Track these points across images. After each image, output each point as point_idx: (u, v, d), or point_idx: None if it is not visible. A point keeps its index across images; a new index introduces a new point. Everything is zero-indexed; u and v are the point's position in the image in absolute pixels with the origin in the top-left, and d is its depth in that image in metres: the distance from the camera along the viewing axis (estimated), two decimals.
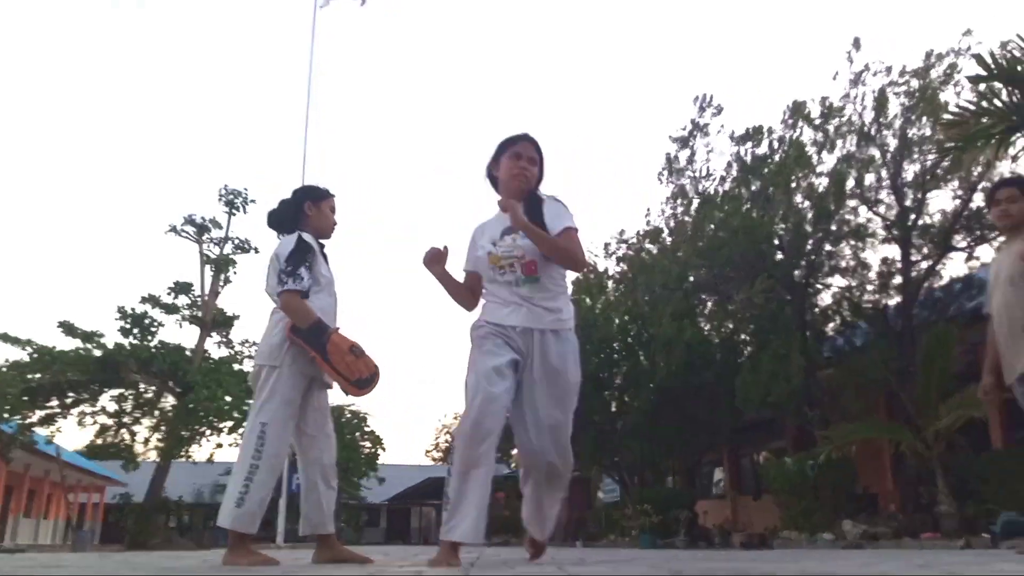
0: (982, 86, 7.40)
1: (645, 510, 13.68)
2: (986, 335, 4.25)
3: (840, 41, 20.77)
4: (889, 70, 10.92)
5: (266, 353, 3.60)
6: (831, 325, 12.51)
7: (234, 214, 21.52)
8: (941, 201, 19.57)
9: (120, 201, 68.95)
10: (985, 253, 11.85)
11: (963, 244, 11.03)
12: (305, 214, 3.87)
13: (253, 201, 21.69)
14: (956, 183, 10.57)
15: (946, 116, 8.43)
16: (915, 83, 10.69)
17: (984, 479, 8.86)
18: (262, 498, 3.43)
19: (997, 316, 4.12)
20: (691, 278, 12.71)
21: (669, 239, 13.93)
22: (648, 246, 14.65)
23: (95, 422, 19.94)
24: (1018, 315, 3.97)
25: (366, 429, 28.44)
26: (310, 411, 3.71)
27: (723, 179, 12.67)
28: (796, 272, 11.69)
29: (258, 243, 21.77)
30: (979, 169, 9.88)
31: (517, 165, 3.29)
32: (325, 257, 3.89)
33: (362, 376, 3.57)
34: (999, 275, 4.12)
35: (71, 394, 19.26)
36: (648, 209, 14.48)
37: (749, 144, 12.20)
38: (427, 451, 32.87)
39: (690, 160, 12.88)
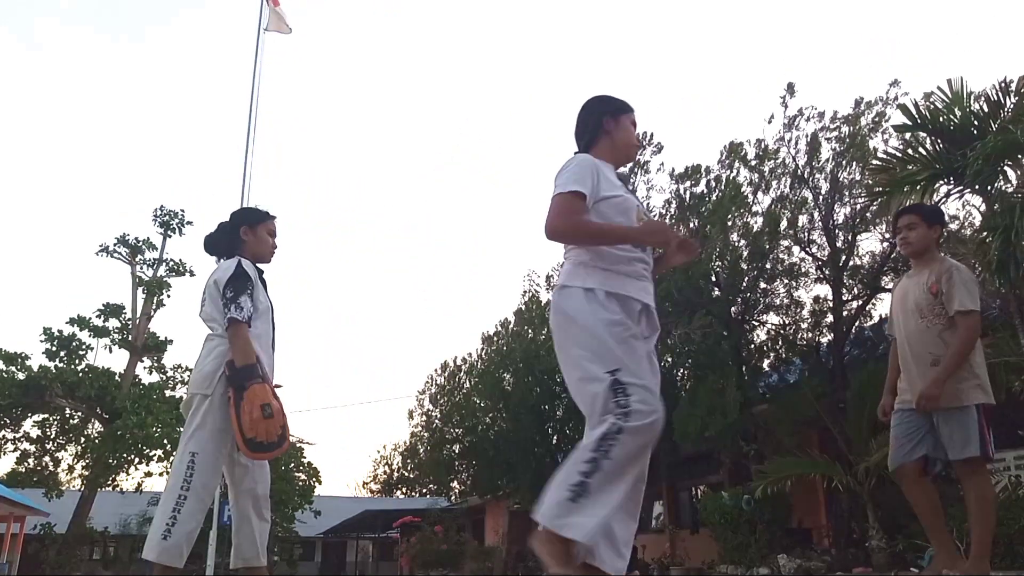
0: (908, 135, 7.74)
1: None
2: None
3: (775, 86, 21.51)
4: (822, 116, 11.33)
5: (199, 381, 3.51)
6: (766, 361, 12.78)
7: (170, 236, 21.17)
8: (870, 243, 20.28)
9: (49, 218, 66.96)
10: None
11: (891, 285, 11.43)
12: (241, 239, 3.81)
13: (190, 223, 21.37)
14: (884, 227, 10.97)
15: (874, 162, 8.78)
16: (846, 129, 11.11)
17: (913, 515, 9.08)
18: (190, 530, 3.34)
19: (901, 343, 4.24)
20: None
21: None
22: None
23: (16, 448, 19.20)
24: (920, 351, 4.08)
25: (302, 460, 27.89)
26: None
27: (663, 216, 12.93)
28: (732, 309, 11.95)
29: (194, 266, 21.39)
30: None
31: (636, 136, 3.02)
32: (264, 283, 3.84)
33: (258, 438, 3.34)
34: (905, 301, 4.23)
35: None
36: None
37: (688, 183, 12.49)
38: (364, 483, 32.32)
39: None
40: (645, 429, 2.36)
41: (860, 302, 11.37)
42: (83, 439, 19.90)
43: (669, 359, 13.68)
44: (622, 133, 2.91)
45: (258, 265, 3.83)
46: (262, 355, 3.61)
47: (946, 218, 4.33)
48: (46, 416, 19.47)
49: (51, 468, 19.97)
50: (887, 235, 11.12)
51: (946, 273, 4.03)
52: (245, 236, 3.80)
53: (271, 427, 3.37)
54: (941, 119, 7.22)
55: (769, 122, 11.73)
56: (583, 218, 2.60)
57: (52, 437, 19.75)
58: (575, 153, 2.84)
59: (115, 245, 20.51)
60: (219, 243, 3.85)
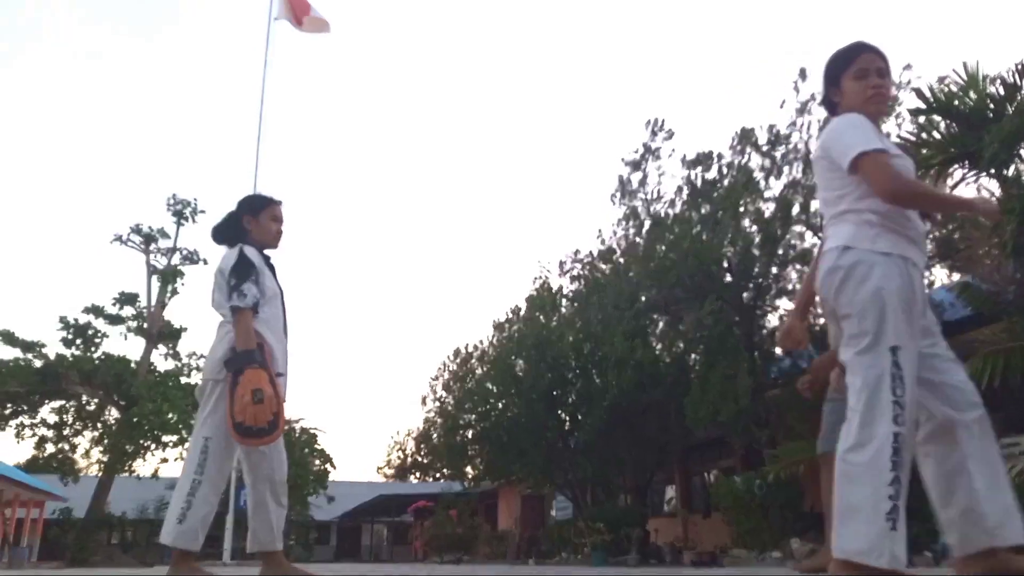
0: (922, 118, 7.68)
1: (597, 528, 13.75)
2: None
3: (787, 71, 21.32)
4: None
5: (212, 367, 3.54)
6: (778, 347, 12.76)
7: (183, 224, 21.28)
8: None
9: (65, 208, 67.39)
10: (932, 277, 12.24)
11: None
12: (244, 228, 3.82)
13: (203, 211, 21.45)
14: None
15: None
16: None
17: (927, 499, 9.09)
18: (205, 514, 3.39)
19: None
20: (642, 298, 12.88)
21: (621, 259, 14.11)
22: (601, 266, 14.81)
23: (34, 434, 19.43)
24: None
25: (316, 447, 28.13)
26: None
27: (674, 202, 12.90)
28: (744, 294, 11.92)
29: (207, 254, 21.50)
30: None
31: (868, 85, 2.52)
32: (272, 268, 3.85)
33: (246, 423, 3.30)
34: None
35: (10, 405, 18.75)
36: (601, 230, 14.61)
37: (699, 168, 12.44)
38: (379, 468, 32.49)
39: (642, 183, 13.09)
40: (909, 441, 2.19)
41: None
42: (100, 425, 20.10)
43: (680, 344, 13.68)
44: None
45: (265, 251, 3.85)
46: (272, 340, 3.64)
47: None
48: (63, 403, 19.67)
49: (69, 453, 20.17)
50: None
51: None
52: (248, 225, 3.82)
53: (260, 413, 3.31)
54: (956, 102, 7.17)
55: (781, 107, 11.66)
56: (914, 180, 2.43)
57: (69, 423, 19.96)
58: (836, 116, 2.52)
59: (129, 234, 20.64)
60: (225, 232, 3.87)
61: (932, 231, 10.88)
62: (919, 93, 7.53)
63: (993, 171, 7.09)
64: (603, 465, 15.50)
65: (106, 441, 19.66)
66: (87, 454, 20.49)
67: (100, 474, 19.68)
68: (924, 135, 7.75)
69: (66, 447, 19.94)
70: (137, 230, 20.62)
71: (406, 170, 75.30)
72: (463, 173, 75.30)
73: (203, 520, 3.38)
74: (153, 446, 18.59)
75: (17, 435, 19.21)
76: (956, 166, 7.50)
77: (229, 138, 69.35)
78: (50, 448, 19.81)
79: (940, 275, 12.01)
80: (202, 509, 3.37)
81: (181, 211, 21.15)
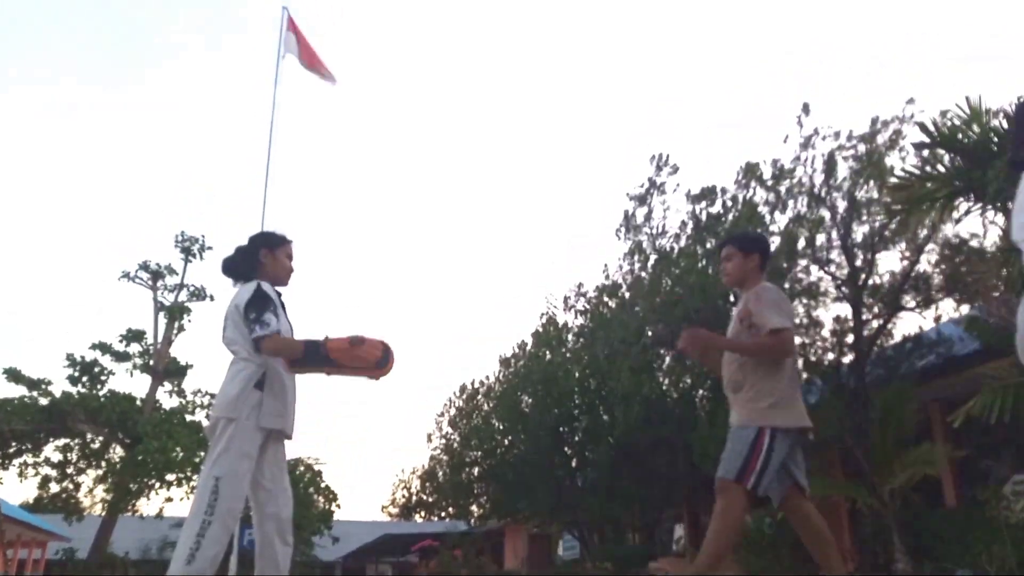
0: (925, 152, 7.70)
1: (605, 568, 13.56)
2: (938, 393, 4.35)
3: (791, 106, 21.50)
4: (837, 135, 11.29)
5: (224, 405, 3.53)
6: None
7: (190, 261, 21.36)
8: (890, 262, 20.12)
9: (72, 245, 67.79)
10: (938, 311, 12.18)
11: (912, 304, 11.32)
12: (260, 262, 3.84)
13: (210, 248, 21.55)
14: (904, 245, 10.88)
15: (892, 180, 8.73)
16: (862, 147, 11.06)
17: (940, 537, 8.96)
18: (215, 554, 3.35)
19: (724, 365, 4.16)
20: (649, 333, 12.83)
21: (627, 294, 14.10)
22: (607, 300, 14.79)
23: (37, 473, 19.33)
24: (727, 380, 4.05)
25: (320, 484, 27.89)
26: (268, 464, 3.63)
27: (679, 236, 12.90)
28: None
29: (214, 291, 21.56)
30: (925, 231, 10.21)
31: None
32: (283, 306, 3.86)
33: (377, 358, 3.58)
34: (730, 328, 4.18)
35: (14, 444, 18.68)
36: (606, 264, 14.58)
37: (704, 203, 12.45)
38: (383, 507, 32.22)
39: (647, 217, 13.11)
40: None
41: (881, 321, 11.26)
42: (104, 463, 19.99)
43: (688, 380, 13.60)
44: None
45: (277, 288, 3.86)
46: (286, 380, 3.66)
47: (770, 246, 4.32)
48: (67, 441, 19.60)
49: (72, 493, 20.04)
50: (907, 253, 11.03)
51: (753, 295, 3.96)
52: (264, 259, 3.84)
53: (372, 343, 3.57)
54: (960, 136, 7.19)
55: (785, 142, 11.69)
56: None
57: (73, 462, 19.87)
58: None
59: (137, 271, 20.72)
60: (237, 266, 3.89)
61: (940, 264, 10.85)
62: (922, 127, 7.54)
63: (999, 204, 7.08)
64: (610, 503, 15.34)
65: (110, 480, 19.55)
66: (90, 493, 20.37)
67: (104, 514, 19.53)
68: (928, 168, 7.76)
69: (70, 486, 19.83)
70: (145, 267, 20.71)
71: (412, 206, 75.73)
72: (468, 209, 75.72)
73: (212, 560, 3.34)
74: (158, 485, 18.46)
75: (20, 474, 19.12)
76: (961, 199, 7.50)
77: (237, 176, 69.94)
78: (54, 487, 19.69)
79: (947, 308, 11.96)
80: (212, 549, 3.34)
81: (189, 248, 21.26)
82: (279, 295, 3.85)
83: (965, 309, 11.37)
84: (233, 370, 3.61)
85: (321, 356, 3.51)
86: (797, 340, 12.23)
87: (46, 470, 19.47)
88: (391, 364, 3.62)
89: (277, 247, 3.90)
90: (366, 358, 3.55)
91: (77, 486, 19.98)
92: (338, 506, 28.48)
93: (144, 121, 63.48)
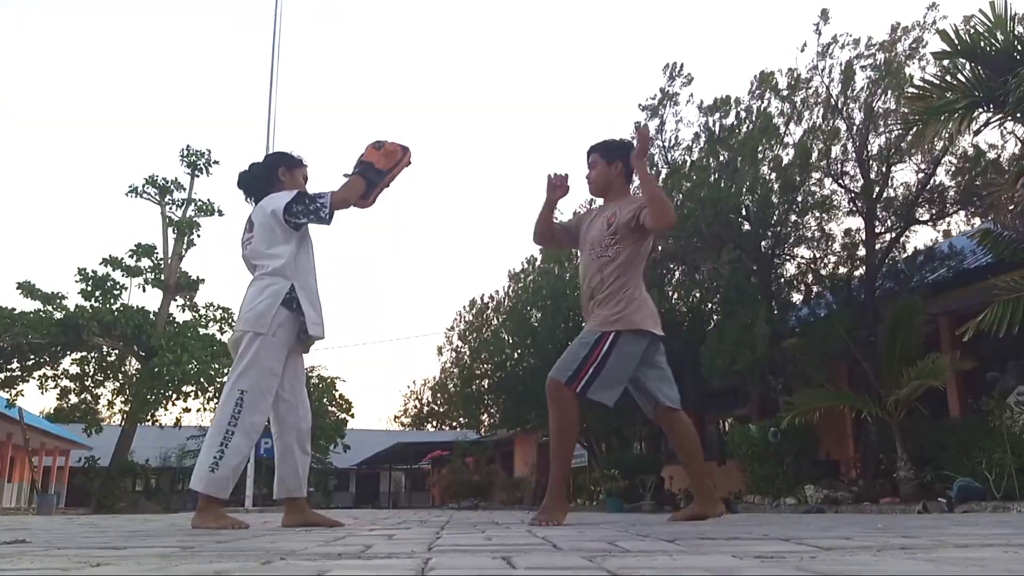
0: (946, 61, 7.50)
1: (612, 475, 13.90)
2: (947, 306, 4.32)
3: (809, 12, 20.83)
4: (856, 43, 10.98)
5: (252, 319, 3.54)
6: (797, 295, 12.68)
7: (197, 176, 21.22)
8: (905, 175, 19.80)
9: (80, 160, 67.45)
10: (948, 226, 12.09)
11: (926, 217, 11.22)
12: (279, 179, 3.85)
13: (217, 162, 21.38)
14: (919, 157, 10.72)
15: (911, 90, 8.53)
16: (881, 56, 10.77)
17: (942, 446, 9.13)
18: (236, 464, 3.44)
19: (580, 275, 4.20)
20: (659, 247, 12.82)
21: None
22: None
23: (57, 385, 19.73)
24: (585, 286, 4.04)
25: (335, 395, 28.47)
26: (288, 377, 3.70)
27: (691, 149, 12.71)
28: (762, 243, 11.82)
29: (223, 205, 21.49)
30: (941, 143, 10.02)
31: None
32: None
33: (401, 146, 3.87)
34: (586, 236, 4.13)
35: (32, 356, 19.01)
36: None
37: (717, 115, 12.22)
38: (396, 416, 32.94)
39: (659, 129, 12.89)
40: None
41: (893, 234, 11.18)
42: (121, 376, 20.37)
43: (697, 294, 13.63)
44: None
45: None
46: (315, 288, 3.73)
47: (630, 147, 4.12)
48: (84, 354, 19.92)
49: (92, 404, 20.50)
50: (922, 166, 10.87)
51: (625, 202, 3.99)
52: (283, 176, 3.88)
53: (391, 144, 3.85)
54: (982, 44, 6.98)
55: (802, 50, 11.39)
56: None
57: (91, 375, 20.24)
58: None
59: (144, 186, 20.63)
60: (254, 181, 3.89)
61: (955, 177, 10.70)
62: (943, 35, 7.32)
63: (1019, 115, 6.93)
64: (618, 414, 15.60)
65: (128, 391, 19.96)
66: (110, 405, 20.83)
67: (123, 424, 20.02)
68: (948, 78, 7.57)
69: (89, 398, 20.27)
70: (152, 181, 20.60)
71: (423, 118, 74.69)
72: (481, 122, 74.61)
73: (235, 470, 3.43)
74: (174, 396, 18.85)
75: (40, 387, 19.53)
76: (981, 110, 7.34)
77: (242, 89, 68.87)
78: (73, 399, 20.14)
79: (959, 221, 11.86)
80: (234, 459, 3.42)
81: (195, 162, 21.09)
82: None
83: (978, 223, 11.28)
84: (260, 285, 3.62)
85: (375, 173, 3.75)
86: (808, 253, 12.20)
87: (65, 383, 19.87)
88: (410, 154, 3.90)
89: (295, 167, 3.93)
90: (395, 151, 3.82)
91: (96, 398, 20.41)
92: (352, 415, 29.17)
93: (150, 32, 62.19)
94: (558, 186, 4.15)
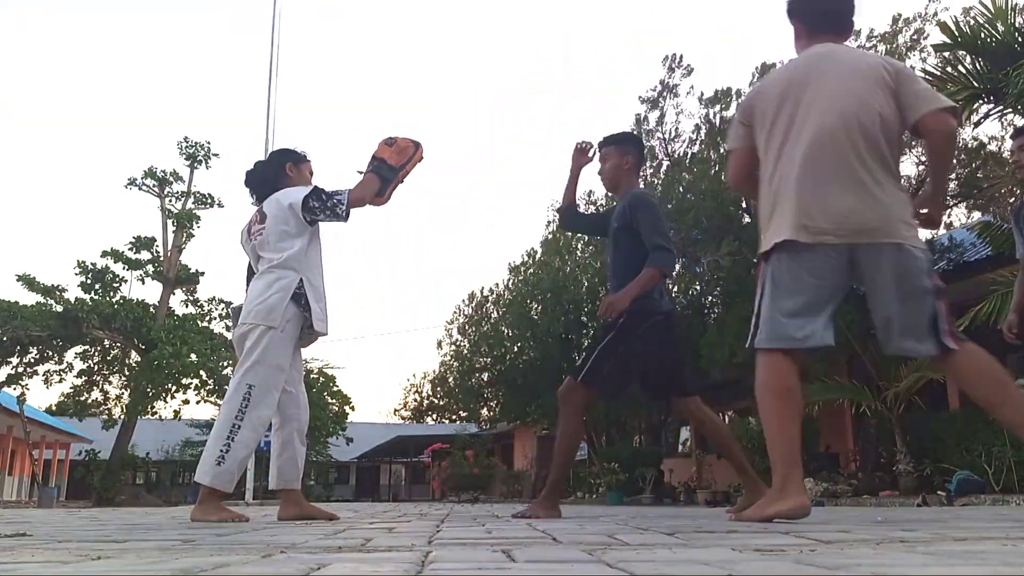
0: (946, 53, 7.48)
1: (612, 468, 13.92)
2: (947, 299, 4.31)
3: None
4: (858, 34, 10.97)
5: (262, 313, 3.52)
6: None
7: (196, 168, 21.16)
8: (905, 167, 19.78)
9: (80, 153, 67.38)
10: (950, 217, 12.07)
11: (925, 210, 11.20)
12: (286, 174, 3.87)
13: (216, 155, 21.32)
14: (919, 149, 10.70)
15: None
16: (883, 47, 10.75)
17: (941, 439, 9.14)
18: (243, 458, 3.44)
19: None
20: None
21: None
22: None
23: (62, 380, 19.75)
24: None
25: (334, 388, 28.52)
26: (291, 371, 3.73)
27: (692, 141, 12.71)
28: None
29: (222, 198, 21.45)
30: None
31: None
32: None
33: (413, 141, 3.79)
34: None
35: (33, 349, 19.01)
36: None
37: (718, 106, 12.21)
38: (396, 410, 33.03)
39: (660, 121, 12.89)
40: None
41: None
42: (126, 370, 20.37)
43: (698, 286, 13.64)
44: None
45: None
46: (322, 283, 3.73)
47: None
48: (86, 348, 19.92)
49: (101, 400, 20.52)
50: (923, 158, 10.85)
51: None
52: (290, 172, 3.90)
53: (400, 146, 3.74)
54: (982, 35, 6.96)
55: None
56: None
57: (97, 369, 20.27)
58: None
59: (143, 178, 20.58)
60: (263, 177, 3.90)
61: (956, 169, 10.68)
62: (943, 27, 7.31)
63: (1020, 107, 6.92)
64: (617, 407, 15.63)
65: (129, 384, 19.96)
66: (118, 399, 20.83)
67: (123, 416, 20.03)
68: (949, 69, 7.55)
69: (99, 396, 20.30)
70: (151, 173, 20.55)
71: (423, 112, 74.58)
72: (481, 114, 74.51)
73: (240, 463, 3.43)
74: (174, 388, 18.84)
75: (45, 382, 19.54)
76: (981, 102, 7.33)
77: (242, 86, 68.74)
78: (95, 394, 20.18)
79: (959, 214, 11.86)
80: (240, 452, 3.41)
81: (194, 154, 21.04)
82: None
83: (978, 215, 11.27)
84: (268, 279, 3.60)
85: (388, 170, 3.69)
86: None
87: (71, 378, 19.89)
88: (417, 155, 3.81)
89: (301, 163, 3.95)
90: (407, 146, 3.75)
91: (105, 394, 20.44)
92: (352, 408, 29.21)
93: (151, 25, 62.04)
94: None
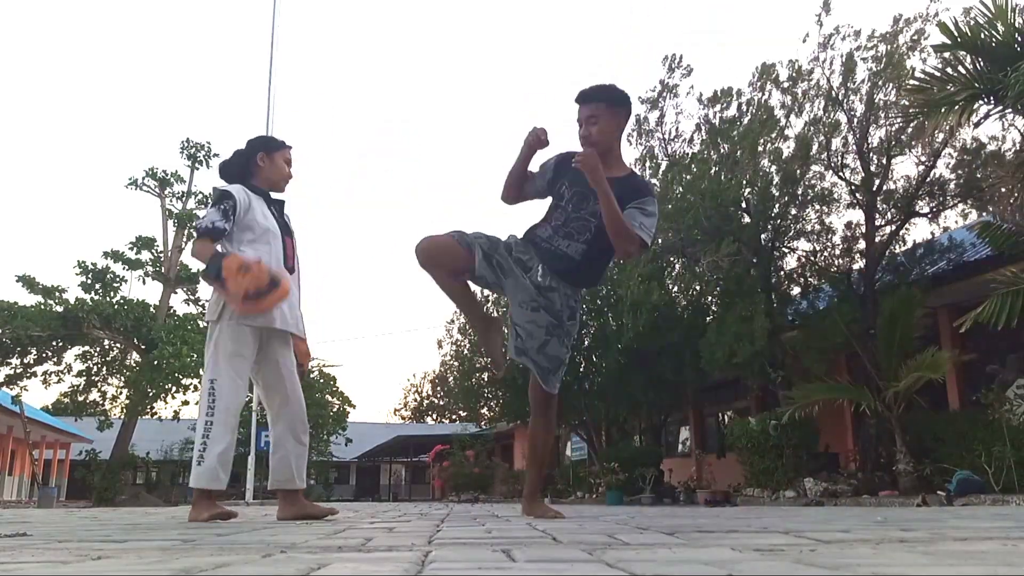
0: (947, 53, 7.48)
1: (612, 468, 13.91)
2: (947, 299, 4.29)
3: (811, 3, 20.76)
4: (858, 34, 10.95)
5: (209, 309, 3.62)
6: (796, 288, 12.68)
7: (197, 168, 21.18)
8: (905, 167, 19.79)
9: (80, 153, 67.38)
10: (948, 220, 12.08)
11: (926, 210, 11.21)
12: (257, 164, 3.81)
13: (216, 155, 21.32)
14: (920, 149, 10.71)
15: (911, 82, 8.52)
16: (883, 48, 10.74)
17: (941, 439, 9.14)
18: (220, 451, 3.44)
19: None
20: (659, 240, 12.82)
21: None
22: None
23: (60, 380, 19.74)
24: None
25: (334, 388, 28.52)
26: (271, 365, 3.69)
27: (692, 141, 12.70)
28: (762, 236, 11.81)
29: None
30: (942, 136, 10.02)
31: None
32: (275, 206, 3.82)
33: (251, 291, 3.26)
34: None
35: (32, 350, 19.01)
36: None
37: (718, 107, 12.21)
38: (396, 410, 33.00)
39: (659, 122, 12.88)
40: None
41: (893, 227, 11.18)
42: (126, 371, 20.37)
43: (697, 286, 13.63)
44: None
45: (272, 193, 3.84)
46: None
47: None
48: (86, 349, 19.92)
49: (99, 400, 20.51)
50: (923, 158, 10.86)
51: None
52: (262, 162, 3.82)
53: (256, 277, 3.26)
54: (983, 35, 6.97)
55: (803, 42, 11.36)
56: None
57: (96, 370, 20.27)
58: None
59: (144, 178, 20.59)
60: (232, 169, 3.86)
61: (956, 169, 10.68)
62: (943, 27, 7.31)
63: (1020, 107, 6.92)
64: (617, 407, 15.61)
65: (129, 384, 19.96)
66: (115, 399, 20.82)
67: (123, 416, 20.03)
68: (949, 70, 7.55)
69: (98, 398, 20.29)
70: (152, 174, 20.56)
71: (425, 108, 74.59)
72: (482, 110, 74.48)
73: (220, 457, 3.42)
74: (174, 388, 18.83)
75: (44, 382, 19.54)
76: (981, 102, 7.33)
77: (241, 83, 68.75)
78: (92, 395, 20.16)
79: (957, 216, 11.85)
80: (217, 446, 3.42)
81: (195, 155, 21.06)
82: (270, 199, 3.82)
83: (975, 215, 11.26)
84: None
85: (215, 275, 3.31)
86: (808, 246, 12.19)
87: (70, 378, 19.89)
88: (272, 298, 3.34)
89: (275, 151, 3.86)
90: (241, 285, 3.26)
91: (104, 394, 20.43)
92: (352, 406, 29.21)
93: (151, 24, 62.04)
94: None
